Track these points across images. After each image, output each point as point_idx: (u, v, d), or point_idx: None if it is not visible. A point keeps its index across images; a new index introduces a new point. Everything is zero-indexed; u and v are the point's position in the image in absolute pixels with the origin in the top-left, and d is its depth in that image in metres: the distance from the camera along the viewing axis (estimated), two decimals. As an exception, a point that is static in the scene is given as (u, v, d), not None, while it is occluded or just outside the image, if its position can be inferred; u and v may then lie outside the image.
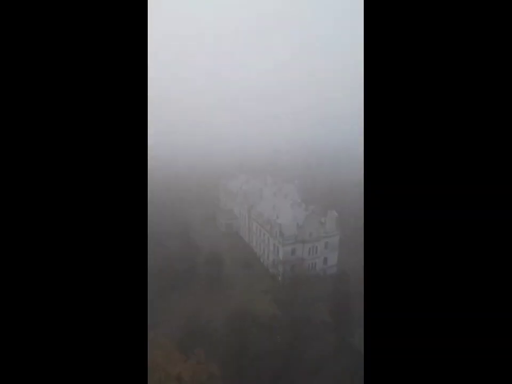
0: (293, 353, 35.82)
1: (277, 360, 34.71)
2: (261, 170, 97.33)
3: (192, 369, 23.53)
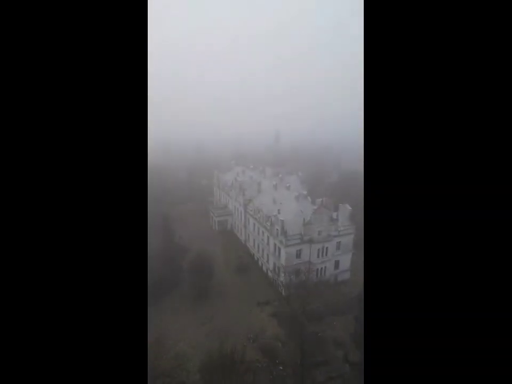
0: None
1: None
2: (259, 162, 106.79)
3: None
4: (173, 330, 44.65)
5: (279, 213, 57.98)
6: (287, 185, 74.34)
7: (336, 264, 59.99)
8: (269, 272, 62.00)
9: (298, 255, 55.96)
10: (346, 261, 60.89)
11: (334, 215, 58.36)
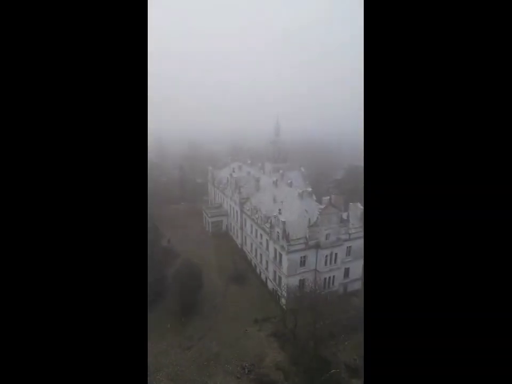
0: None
1: None
2: (258, 158, 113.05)
3: None
4: (151, 356, 43.00)
5: (280, 213, 57.79)
6: (289, 181, 74.85)
7: (346, 272, 60.62)
8: (268, 282, 62.54)
9: (302, 262, 56.14)
10: (357, 268, 61.43)
11: (344, 215, 58.57)
